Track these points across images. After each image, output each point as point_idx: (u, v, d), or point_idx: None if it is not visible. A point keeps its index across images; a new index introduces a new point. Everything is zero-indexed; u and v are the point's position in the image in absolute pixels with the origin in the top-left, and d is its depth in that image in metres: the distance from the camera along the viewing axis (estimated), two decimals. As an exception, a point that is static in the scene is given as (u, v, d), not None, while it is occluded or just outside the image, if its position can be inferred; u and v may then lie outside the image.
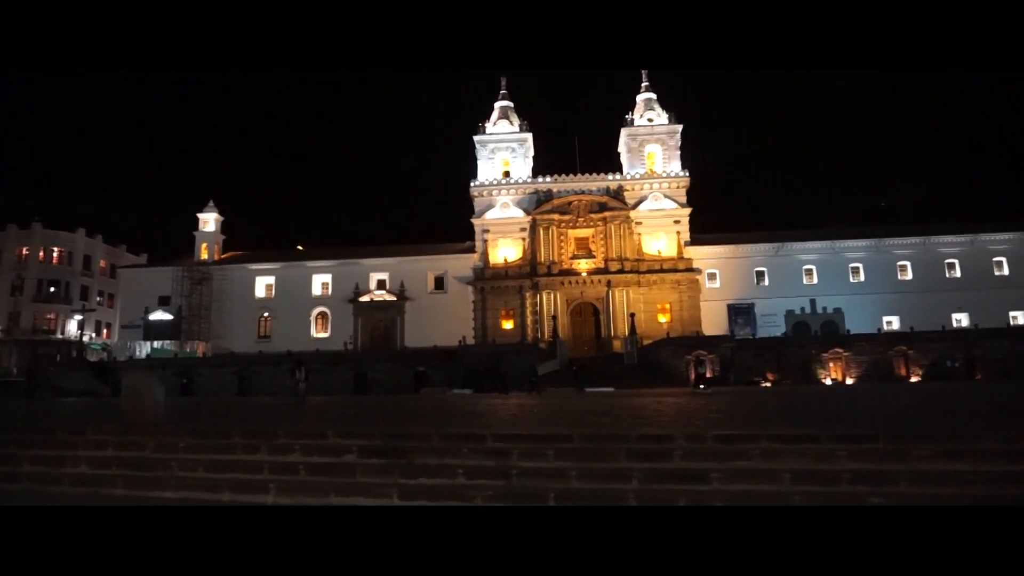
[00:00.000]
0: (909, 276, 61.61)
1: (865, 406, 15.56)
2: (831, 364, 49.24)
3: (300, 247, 74.08)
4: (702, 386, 33.79)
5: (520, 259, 63.38)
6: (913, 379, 47.08)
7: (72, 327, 65.41)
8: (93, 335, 68.93)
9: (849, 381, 47.53)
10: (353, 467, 8.50)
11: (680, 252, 62.02)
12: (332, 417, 14.60)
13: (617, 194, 63.42)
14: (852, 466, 7.09)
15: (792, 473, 7.07)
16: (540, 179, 65.23)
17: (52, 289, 67.93)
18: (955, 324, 57.16)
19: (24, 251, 68.40)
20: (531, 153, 68.42)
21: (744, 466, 7.40)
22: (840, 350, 49.20)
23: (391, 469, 8.34)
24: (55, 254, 69.52)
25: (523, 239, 63.83)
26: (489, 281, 62.67)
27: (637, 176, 64.32)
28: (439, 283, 64.30)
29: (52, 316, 67.60)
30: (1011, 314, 58.25)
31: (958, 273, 61.21)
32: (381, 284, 64.42)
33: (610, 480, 7.44)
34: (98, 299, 72.48)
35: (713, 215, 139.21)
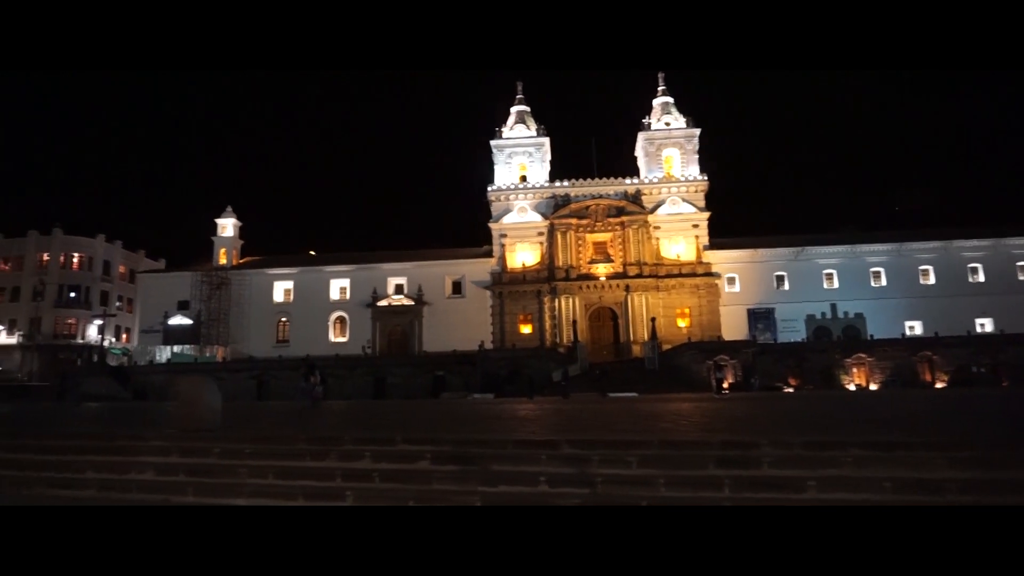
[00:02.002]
0: (932, 280, 60.91)
1: (912, 411, 15.25)
2: (854, 369, 48.71)
3: (313, 252, 74.29)
4: (726, 390, 33.50)
5: (538, 264, 63.20)
6: (939, 385, 46.46)
7: (92, 332, 65.84)
8: (113, 340, 69.32)
9: (873, 387, 46.98)
10: (428, 474, 8.37)
11: (699, 256, 61.63)
12: (365, 421, 14.46)
13: (635, 198, 63.18)
14: (954, 475, 6.90)
15: (893, 482, 6.88)
16: (557, 183, 65.05)
17: (72, 294, 68.53)
18: (979, 329, 56.48)
19: (45, 257, 69.16)
20: (548, 157, 68.28)
21: (838, 474, 7.22)
22: (863, 355, 48.66)
23: (468, 476, 8.21)
24: (75, 260, 70.18)
25: (541, 243, 63.66)
26: (507, 286, 62.53)
27: (655, 180, 64.04)
28: (457, 288, 64.19)
29: (72, 321, 68.18)
30: (1037, 319, 57.46)
31: (982, 277, 60.47)
32: (399, 289, 64.45)
33: (701, 488, 7.27)
34: (117, 304, 73.02)
35: (731, 219, 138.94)
